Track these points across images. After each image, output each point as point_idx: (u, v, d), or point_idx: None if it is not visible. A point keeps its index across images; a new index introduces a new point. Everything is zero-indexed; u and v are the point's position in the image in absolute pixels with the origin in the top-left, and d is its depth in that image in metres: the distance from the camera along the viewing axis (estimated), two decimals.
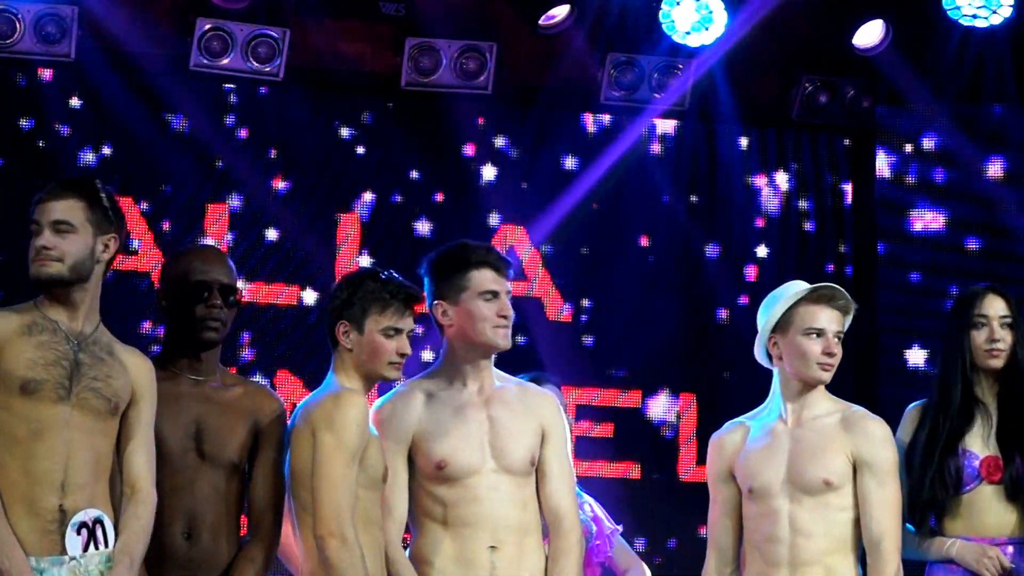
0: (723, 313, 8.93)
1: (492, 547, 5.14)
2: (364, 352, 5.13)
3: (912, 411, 5.69)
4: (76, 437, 4.76)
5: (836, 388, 5.40)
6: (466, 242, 5.30)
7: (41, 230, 4.84)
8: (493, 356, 5.27)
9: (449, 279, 5.23)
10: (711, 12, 8.54)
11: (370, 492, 5.09)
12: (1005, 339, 5.57)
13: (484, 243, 5.39)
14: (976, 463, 5.52)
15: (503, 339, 5.21)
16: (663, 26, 8.57)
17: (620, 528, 6.33)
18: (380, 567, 5.10)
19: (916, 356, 8.90)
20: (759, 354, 5.46)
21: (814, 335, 5.31)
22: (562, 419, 5.35)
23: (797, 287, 5.39)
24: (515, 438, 5.21)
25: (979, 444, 5.55)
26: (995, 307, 5.59)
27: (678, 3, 8.53)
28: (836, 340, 5.31)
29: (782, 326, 5.37)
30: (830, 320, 5.32)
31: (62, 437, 4.74)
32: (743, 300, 8.88)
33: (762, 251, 9.01)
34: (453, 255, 5.26)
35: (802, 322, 5.32)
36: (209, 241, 8.21)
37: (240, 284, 6.05)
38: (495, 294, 5.20)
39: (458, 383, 5.26)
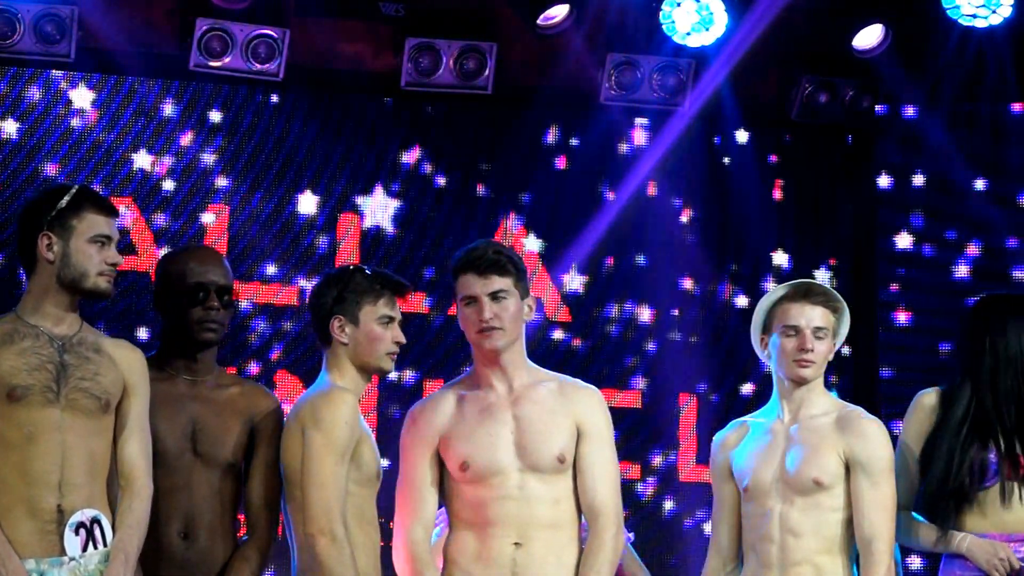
0: (723, 313, 8.92)
1: (516, 544, 5.12)
2: (361, 344, 5.17)
3: (926, 399, 5.59)
4: (70, 438, 4.77)
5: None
6: (471, 246, 5.28)
7: (111, 245, 4.88)
8: (516, 354, 5.22)
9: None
10: (711, 13, 8.53)
11: (364, 489, 5.11)
12: None
13: (478, 243, 5.33)
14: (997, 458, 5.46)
15: (487, 343, 5.18)
16: (663, 27, 8.56)
17: (632, 536, 6.30)
18: (375, 565, 5.11)
19: (915, 350, 8.88)
20: (760, 355, 5.48)
21: (790, 332, 5.34)
22: (604, 415, 5.27)
23: (782, 288, 5.43)
24: (542, 436, 5.17)
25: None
26: None
27: (678, 4, 8.53)
28: (814, 336, 5.33)
29: (767, 327, 5.41)
30: (806, 316, 5.34)
31: (56, 439, 4.76)
32: (742, 300, 8.87)
33: (761, 251, 9.00)
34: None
35: (779, 321, 5.38)
36: (208, 241, 8.20)
37: (238, 284, 6.07)
38: (471, 299, 5.19)
39: (486, 385, 5.25)
